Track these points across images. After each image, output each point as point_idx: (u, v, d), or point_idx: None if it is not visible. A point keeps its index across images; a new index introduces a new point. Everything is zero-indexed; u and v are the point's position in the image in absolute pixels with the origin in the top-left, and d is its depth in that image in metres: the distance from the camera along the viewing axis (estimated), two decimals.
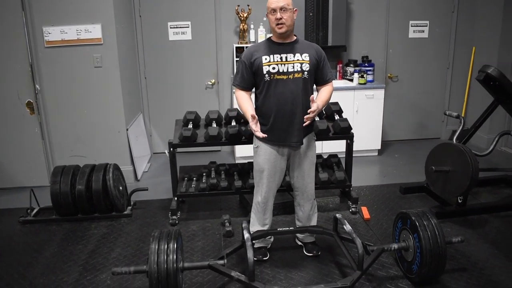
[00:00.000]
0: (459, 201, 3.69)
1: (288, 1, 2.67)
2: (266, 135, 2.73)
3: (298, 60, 2.75)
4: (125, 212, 3.82)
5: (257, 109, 2.86)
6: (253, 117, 2.68)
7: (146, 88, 5.37)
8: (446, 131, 5.96)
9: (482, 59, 5.40)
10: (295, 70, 2.74)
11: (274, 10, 2.66)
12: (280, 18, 2.65)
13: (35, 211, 3.82)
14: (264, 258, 3.08)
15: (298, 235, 3.27)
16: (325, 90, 2.90)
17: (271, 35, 2.84)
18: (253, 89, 2.93)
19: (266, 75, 2.74)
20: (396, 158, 5.35)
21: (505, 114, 5.31)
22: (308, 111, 2.68)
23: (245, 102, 2.83)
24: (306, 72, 2.77)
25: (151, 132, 5.56)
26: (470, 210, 3.74)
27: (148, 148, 5.42)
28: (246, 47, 5.03)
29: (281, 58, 2.74)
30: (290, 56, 2.75)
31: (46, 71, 4.22)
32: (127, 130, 4.49)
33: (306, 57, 2.77)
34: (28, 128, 4.33)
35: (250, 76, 2.81)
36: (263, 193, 2.97)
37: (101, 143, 4.46)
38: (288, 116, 2.78)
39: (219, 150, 5.69)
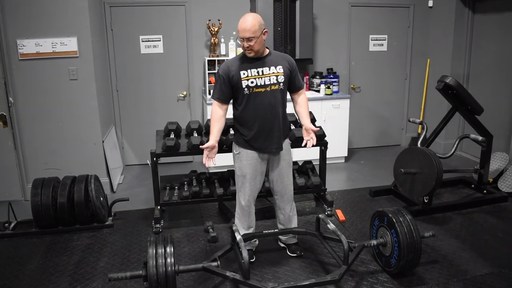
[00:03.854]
0: (425, 201, 3.99)
1: (254, 30, 2.78)
2: (213, 165, 3.09)
3: (273, 73, 2.93)
4: (107, 223, 3.83)
5: (237, 119, 3.05)
6: (208, 147, 2.98)
7: (118, 101, 5.39)
8: (406, 138, 6.35)
9: (436, 70, 5.84)
10: (272, 82, 2.92)
11: (242, 39, 2.83)
12: (248, 46, 2.84)
13: (12, 224, 3.75)
14: (251, 260, 3.21)
15: (280, 237, 3.43)
16: (303, 105, 3.14)
17: None
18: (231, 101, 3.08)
19: (246, 89, 2.90)
20: (362, 165, 5.65)
21: (458, 121, 5.78)
22: (307, 138, 3.04)
23: (215, 126, 3.00)
24: (281, 84, 2.96)
25: (123, 145, 5.56)
26: (435, 209, 4.05)
27: (121, 160, 5.42)
28: (218, 60, 5.21)
29: (257, 72, 2.91)
30: (265, 70, 2.92)
31: (20, 83, 4.19)
32: (103, 142, 4.51)
33: (280, 69, 2.95)
34: (0, 142, 4.25)
35: (228, 90, 2.95)
36: (246, 197, 3.12)
37: (77, 156, 4.44)
38: (267, 125, 2.98)
39: (191, 161, 5.77)
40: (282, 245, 3.45)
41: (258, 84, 2.90)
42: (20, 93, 4.21)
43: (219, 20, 5.23)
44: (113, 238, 3.64)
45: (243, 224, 3.20)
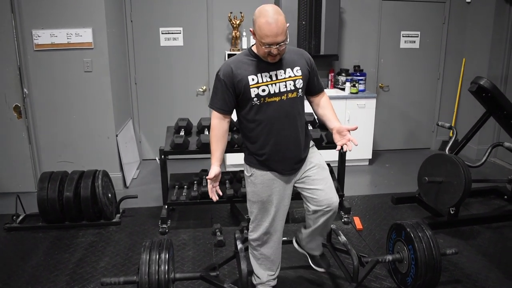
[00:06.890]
0: (451, 212, 3.69)
1: (285, 29, 2.15)
2: (218, 199, 2.43)
3: (290, 77, 2.32)
4: (114, 220, 3.73)
5: (244, 133, 2.45)
6: (211, 179, 2.37)
7: (136, 94, 5.30)
8: (436, 141, 5.99)
9: (472, 70, 5.45)
10: (288, 89, 2.31)
11: (269, 45, 2.15)
12: (278, 53, 2.20)
13: (20, 217, 3.71)
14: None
15: (304, 243, 2.75)
16: (327, 107, 2.53)
17: (253, 44, 2.37)
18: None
19: (255, 98, 2.28)
20: (387, 168, 5.36)
21: (494, 125, 5.37)
22: (343, 141, 2.36)
23: (218, 145, 2.40)
24: (300, 90, 2.36)
25: (141, 139, 5.48)
26: (462, 221, 3.75)
27: (137, 155, 5.34)
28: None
29: (270, 77, 2.29)
30: (280, 73, 2.30)
31: (34, 74, 4.14)
32: (116, 136, 4.41)
33: (298, 71, 2.34)
34: (15, 133, 4.23)
35: (232, 98, 2.32)
36: (266, 226, 2.47)
37: (90, 149, 4.38)
38: (285, 144, 2.37)
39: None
40: (300, 250, 2.82)
41: (271, 92, 2.28)
42: (35, 84, 4.16)
43: (241, 12, 5.04)
44: (118, 237, 3.54)
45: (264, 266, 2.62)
